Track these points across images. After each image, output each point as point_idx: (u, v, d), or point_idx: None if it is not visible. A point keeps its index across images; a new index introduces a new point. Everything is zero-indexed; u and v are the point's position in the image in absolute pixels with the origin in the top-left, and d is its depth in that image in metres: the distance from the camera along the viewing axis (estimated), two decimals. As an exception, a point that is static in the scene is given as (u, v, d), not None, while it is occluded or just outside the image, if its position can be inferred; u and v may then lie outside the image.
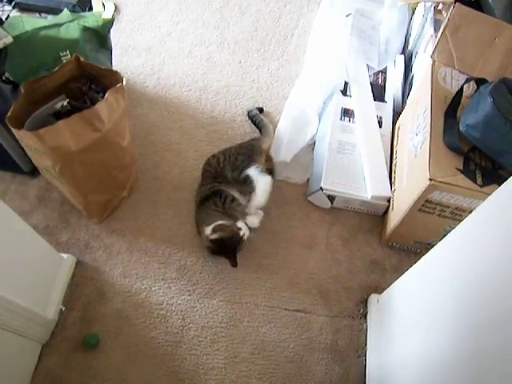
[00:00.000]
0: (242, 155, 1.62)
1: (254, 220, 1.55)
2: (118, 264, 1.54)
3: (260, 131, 1.85)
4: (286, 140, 1.82)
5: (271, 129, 1.84)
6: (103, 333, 1.41)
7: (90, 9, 1.87)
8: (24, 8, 2.07)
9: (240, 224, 1.48)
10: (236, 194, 1.55)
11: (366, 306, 1.52)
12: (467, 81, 1.45)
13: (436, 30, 1.75)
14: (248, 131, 1.89)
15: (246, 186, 1.56)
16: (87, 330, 1.40)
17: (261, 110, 1.93)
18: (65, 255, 1.50)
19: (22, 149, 1.35)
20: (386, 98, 1.90)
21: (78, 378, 1.35)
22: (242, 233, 1.46)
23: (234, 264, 1.50)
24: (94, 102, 1.30)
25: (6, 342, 1.19)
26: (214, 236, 1.46)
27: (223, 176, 1.59)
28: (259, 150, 1.68)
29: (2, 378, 1.21)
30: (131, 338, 1.41)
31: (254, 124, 1.89)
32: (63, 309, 1.42)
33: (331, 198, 1.65)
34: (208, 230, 1.48)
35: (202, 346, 1.42)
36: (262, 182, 1.56)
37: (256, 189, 1.56)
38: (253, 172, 1.57)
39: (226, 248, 1.49)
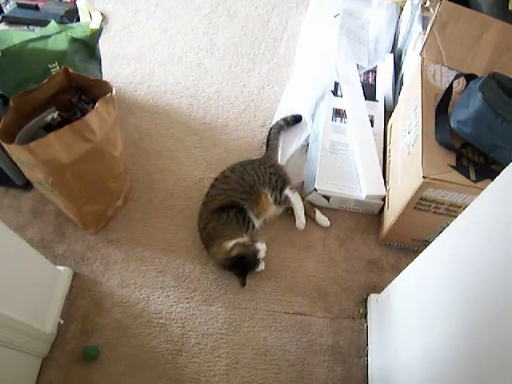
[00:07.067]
0: (275, 175, 1.63)
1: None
2: (115, 274, 1.53)
3: (268, 147, 1.81)
4: (280, 143, 1.82)
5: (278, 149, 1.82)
6: (103, 344, 1.40)
7: (78, 20, 1.86)
8: (11, 21, 2.05)
9: (260, 246, 1.49)
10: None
11: (366, 306, 1.52)
12: (457, 77, 1.45)
13: (424, 27, 1.76)
14: (241, 136, 1.89)
15: (285, 204, 1.63)
16: (87, 342, 1.40)
17: (298, 119, 1.88)
18: (61, 268, 1.49)
19: (14, 162, 1.34)
20: (377, 97, 1.91)
21: (80, 391, 1.34)
22: (259, 255, 1.48)
23: (243, 283, 1.49)
24: (84, 113, 1.29)
25: (5, 357, 1.18)
26: (235, 252, 1.47)
27: (258, 193, 1.59)
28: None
29: (3, 393, 1.20)
30: (131, 349, 1.40)
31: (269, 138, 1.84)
32: (62, 322, 1.41)
33: (326, 198, 1.66)
34: (229, 244, 1.48)
35: (202, 354, 1.41)
36: (297, 200, 1.63)
37: (296, 208, 1.62)
38: (288, 192, 1.61)
39: (242, 266, 1.49)
